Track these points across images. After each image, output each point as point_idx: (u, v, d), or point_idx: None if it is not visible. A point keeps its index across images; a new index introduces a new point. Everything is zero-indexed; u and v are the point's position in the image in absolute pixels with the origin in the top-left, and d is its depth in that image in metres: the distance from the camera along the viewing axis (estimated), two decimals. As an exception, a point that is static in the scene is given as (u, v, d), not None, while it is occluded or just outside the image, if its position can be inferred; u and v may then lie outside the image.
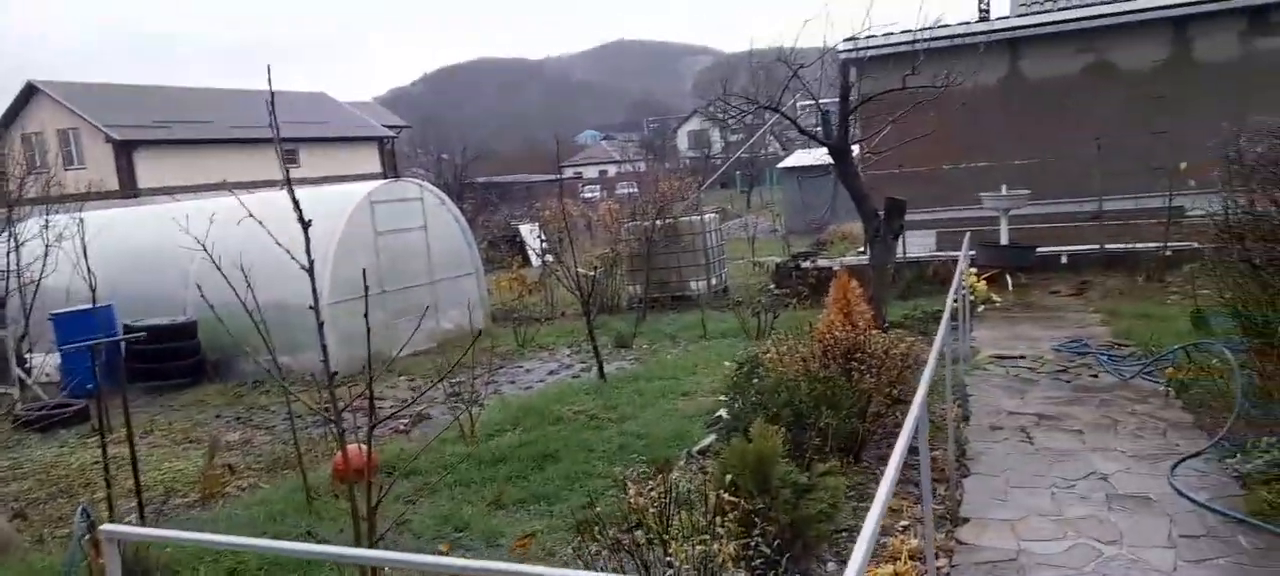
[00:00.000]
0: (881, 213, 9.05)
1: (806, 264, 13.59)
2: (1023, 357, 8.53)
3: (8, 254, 12.09)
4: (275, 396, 10.64)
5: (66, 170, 31.13)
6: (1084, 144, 12.78)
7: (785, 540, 3.96)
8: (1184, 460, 5.46)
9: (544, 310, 14.46)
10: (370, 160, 39.35)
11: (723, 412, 6.85)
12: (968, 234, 9.69)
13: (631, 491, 3.81)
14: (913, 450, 6.17)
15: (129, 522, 5.30)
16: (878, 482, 5.61)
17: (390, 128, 42.82)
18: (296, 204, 3.50)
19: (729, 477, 4.00)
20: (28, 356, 12.17)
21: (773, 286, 12.73)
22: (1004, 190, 12.65)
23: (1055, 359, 8.40)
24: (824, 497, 4.08)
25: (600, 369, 8.93)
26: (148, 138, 31.24)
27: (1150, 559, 4.30)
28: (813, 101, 10.22)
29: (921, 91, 9.53)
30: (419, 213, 13.09)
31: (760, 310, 10.93)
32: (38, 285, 12.01)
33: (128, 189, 29.90)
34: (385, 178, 30.78)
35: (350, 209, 11.98)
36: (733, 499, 3.71)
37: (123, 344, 12.00)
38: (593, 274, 11.01)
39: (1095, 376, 7.69)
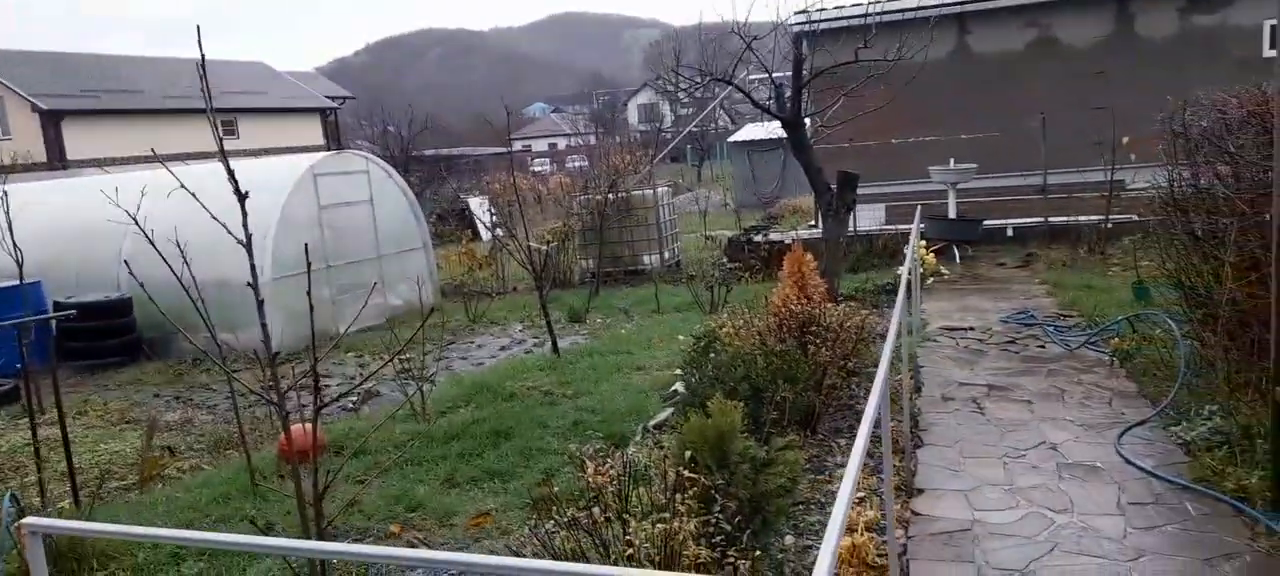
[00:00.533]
0: (833, 186, 9.06)
1: (758, 238, 13.62)
2: (972, 329, 8.65)
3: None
4: (216, 375, 10.31)
5: (-10, 141, 29.75)
6: (1030, 118, 12.98)
7: (745, 515, 3.92)
8: (1130, 429, 5.58)
9: (495, 285, 14.27)
10: (313, 132, 38.32)
11: (679, 387, 6.80)
12: (919, 207, 9.76)
13: (590, 468, 3.73)
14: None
15: (63, 508, 5.05)
16: (834, 454, 5.65)
17: (333, 98, 41.72)
18: (232, 175, 3.31)
19: (689, 454, 3.94)
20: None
21: (725, 260, 12.73)
22: (952, 164, 12.81)
23: (1003, 330, 8.54)
24: (783, 472, 4.06)
25: (554, 344, 8.82)
26: (76, 107, 29.91)
27: (1101, 526, 4.37)
28: (765, 75, 10.18)
29: (873, 65, 9.54)
30: (364, 186, 12.76)
31: (713, 284, 10.91)
32: (-43, 261, 11.41)
33: (56, 161, 28.66)
34: (328, 150, 30.03)
35: (292, 182, 11.62)
36: (692, 475, 3.66)
37: (53, 322, 11.56)
38: (544, 248, 10.86)
39: (1042, 347, 7.83)
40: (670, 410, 6.46)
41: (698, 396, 5.23)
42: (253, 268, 3.25)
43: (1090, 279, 10.31)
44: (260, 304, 3.49)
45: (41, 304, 11.32)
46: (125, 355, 11.40)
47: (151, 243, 4.81)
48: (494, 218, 16.30)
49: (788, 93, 9.23)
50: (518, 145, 62.74)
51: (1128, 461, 5.08)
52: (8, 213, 10.84)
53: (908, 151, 14.63)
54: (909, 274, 7.87)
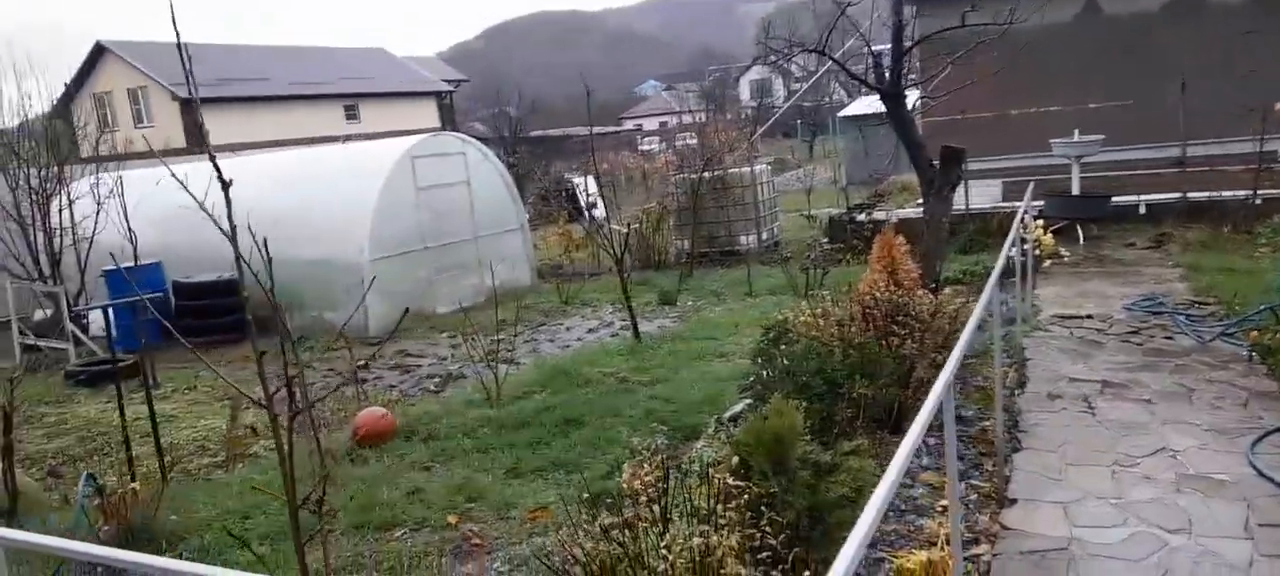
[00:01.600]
0: (936, 162, 8.43)
1: (862, 216, 12.96)
2: (1090, 317, 7.89)
3: (59, 211, 12.29)
4: (316, 353, 10.62)
5: (137, 128, 31.99)
6: (1166, 85, 11.80)
7: (802, 527, 3.59)
8: (1267, 435, 4.89)
9: (590, 266, 14.17)
10: (429, 115, 39.45)
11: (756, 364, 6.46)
12: (1032, 183, 9.00)
13: (627, 472, 3.48)
14: (961, 420, 5.71)
15: (135, 487, 5.18)
16: (920, 457, 5.20)
17: (449, 82, 42.81)
18: (217, 168, 3.16)
19: (737, 460, 3.63)
20: (86, 312, 12.41)
21: (825, 240, 12.18)
22: (1076, 136, 11.79)
23: (1126, 318, 7.75)
24: (846, 480, 3.69)
25: (635, 329, 8.60)
26: (212, 95, 31.76)
27: (1223, 551, 3.80)
28: (866, 47, 9.58)
29: (984, 29, 8.82)
30: (461, 167, 12.85)
31: (810, 266, 10.42)
32: (92, 242, 12.17)
33: (194, 147, 30.51)
34: (442, 131, 30.76)
35: (391, 164, 11.80)
36: (739, 483, 3.35)
37: (172, 301, 12.20)
38: (624, 231, 10.63)
39: (1170, 338, 7.04)
40: (747, 402, 6.13)
41: (767, 393, 4.89)
42: (238, 258, 3.09)
43: (1232, 261, 9.27)
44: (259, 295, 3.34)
45: (160, 283, 11.96)
46: (235, 333, 11.91)
47: (213, 219, 4.82)
48: (590, 198, 16.22)
49: (887, 62, 8.63)
50: (629, 124, 62.84)
51: (1261, 474, 4.44)
52: (122, 196, 11.48)
53: (1027, 123, 13.62)
54: (1013, 254, 7.24)
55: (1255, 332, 6.40)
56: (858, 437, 4.27)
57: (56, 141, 13.57)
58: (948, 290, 8.58)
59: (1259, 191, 10.47)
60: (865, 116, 25.26)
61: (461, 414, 6.75)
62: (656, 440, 5.27)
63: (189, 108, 30.98)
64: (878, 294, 5.78)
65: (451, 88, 42.60)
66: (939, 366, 5.69)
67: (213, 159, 3.04)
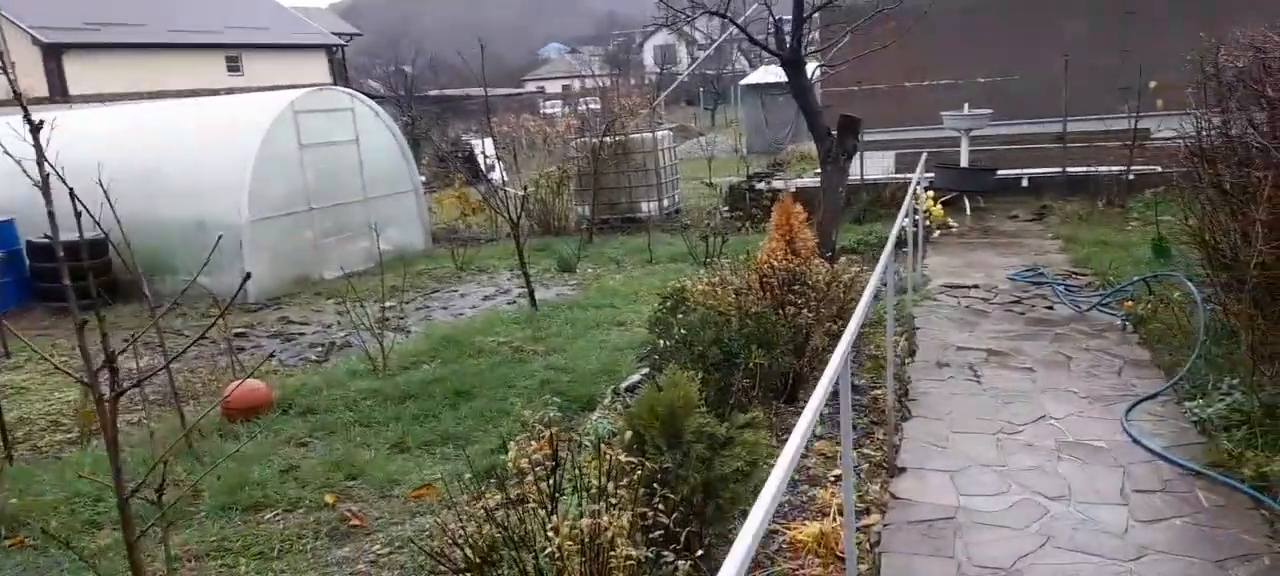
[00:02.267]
0: (833, 131, 8.47)
1: (761, 185, 13.03)
2: (976, 287, 8.11)
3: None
4: (190, 320, 9.98)
5: (-9, 75, 29.33)
6: (1051, 61, 12.22)
7: (697, 503, 3.48)
8: (1140, 403, 5.09)
9: (488, 231, 13.79)
10: (319, 70, 37.62)
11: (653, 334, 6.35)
12: (924, 154, 9.16)
13: (513, 449, 3.29)
14: (855, 389, 5.74)
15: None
16: (815, 426, 5.19)
17: (341, 36, 40.92)
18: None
19: (630, 433, 3.49)
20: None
21: (725, 209, 12.17)
22: (966, 110, 12.11)
23: (1010, 288, 8.00)
24: (741, 453, 3.60)
25: (531, 297, 8.36)
26: (78, 40, 29.39)
27: (1101, 517, 3.91)
28: (769, 12, 9.52)
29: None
30: (350, 124, 12.23)
31: (710, 234, 10.38)
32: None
33: (57, 96, 28.23)
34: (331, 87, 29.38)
35: (271, 119, 11.10)
36: (631, 459, 3.21)
37: (26, 263, 11.23)
38: (521, 194, 10.35)
39: (1050, 308, 7.30)
40: (644, 372, 6.01)
41: (662, 363, 4.77)
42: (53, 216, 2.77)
43: (1107, 234, 9.71)
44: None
45: (13, 242, 10.99)
46: (100, 298, 11.06)
47: (25, 171, 4.36)
48: (488, 161, 15.77)
49: (787, 29, 8.59)
50: (531, 87, 61.70)
51: (1135, 441, 4.60)
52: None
53: (920, 96, 13.92)
54: (906, 225, 7.34)
55: (1129, 303, 6.68)
56: (754, 409, 4.19)
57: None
58: (843, 259, 8.68)
59: (1132, 167, 10.99)
60: (767, 86, 25.44)
61: (344, 385, 6.40)
62: (550, 412, 5.08)
63: (51, 53, 28.58)
64: (775, 263, 5.73)
65: (344, 42, 40.74)
66: (835, 336, 5.69)
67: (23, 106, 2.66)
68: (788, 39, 8.50)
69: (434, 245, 13.31)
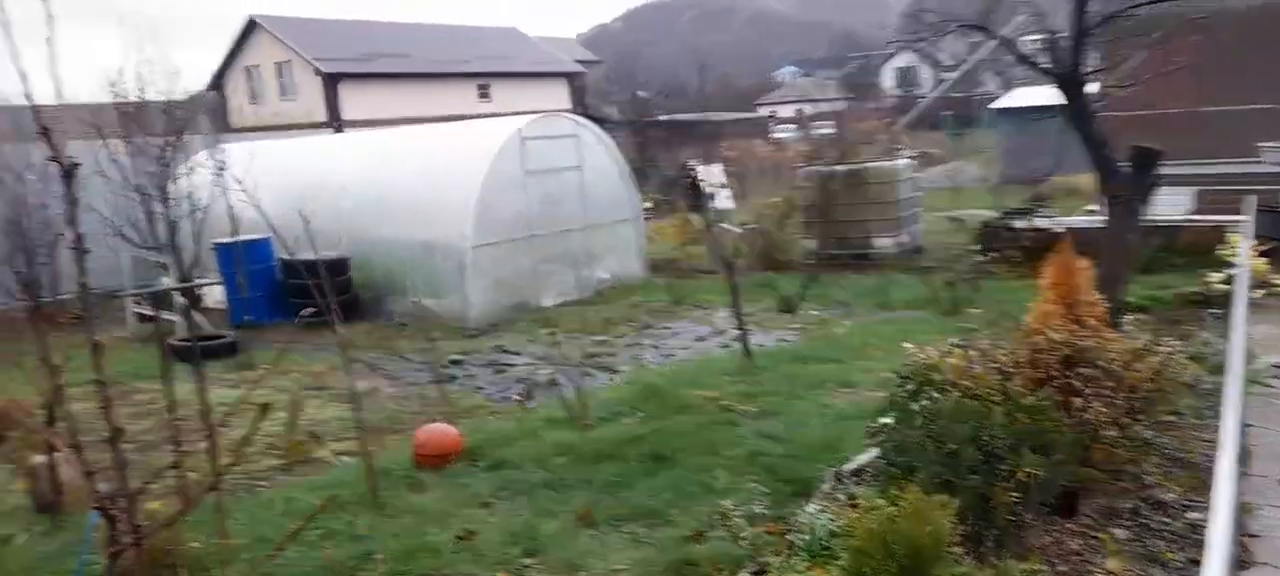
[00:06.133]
0: (1121, 163, 6.95)
1: (1020, 223, 11.37)
2: (1323, 369, 6.27)
3: (174, 182, 12.27)
4: (414, 342, 10.11)
5: (282, 101, 33.18)
6: None
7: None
8: None
9: (708, 262, 13.15)
10: (560, 96, 39.25)
11: (889, 419, 5.32)
12: (1249, 195, 7.35)
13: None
14: (1160, 505, 4.41)
15: (155, 507, 4.60)
16: (1099, 553, 3.94)
17: (582, 63, 42.54)
18: None
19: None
20: (203, 284, 12.41)
21: (976, 249, 10.71)
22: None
23: (1375, 374, 6.10)
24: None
25: (746, 346, 7.54)
26: (352, 71, 32.52)
27: None
28: (1041, 32, 8.11)
29: (1186, 7, 7.26)
30: (574, 151, 12.08)
31: (957, 278, 9.07)
32: (206, 212, 12.12)
33: (334, 120, 31.36)
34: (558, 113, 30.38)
35: (499, 145, 11.14)
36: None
37: (280, 278, 12.02)
38: (738, 231, 9.55)
39: None
40: (874, 452, 5.00)
41: (901, 459, 3.78)
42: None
43: None
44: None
45: (268, 259, 11.79)
46: (341, 314, 11.59)
47: (249, 196, 4.16)
48: (709, 190, 15.18)
49: (1064, 43, 7.19)
50: (763, 110, 61.09)
51: None
52: (221, 168, 11.27)
53: (1228, 122, 11.59)
54: (1217, 281, 5.77)
55: None
56: (1026, 533, 3.11)
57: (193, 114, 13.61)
58: (1129, 321, 7.11)
59: None
60: (1024, 109, 23.06)
61: (539, 436, 5.91)
62: (755, 505, 4.25)
63: (330, 82, 31.81)
64: (1052, 333, 4.52)
65: (583, 69, 42.30)
66: (1128, 435, 4.38)
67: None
68: (1063, 55, 7.11)
69: (652, 275, 12.88)
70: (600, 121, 23.37)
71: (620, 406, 6.47)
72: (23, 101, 1.86)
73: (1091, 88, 8.23)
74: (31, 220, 12.80)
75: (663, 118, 31.86)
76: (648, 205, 14.79)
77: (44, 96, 1.80)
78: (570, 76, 40.57)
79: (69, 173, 1.65)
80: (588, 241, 12.10)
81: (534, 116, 12.10)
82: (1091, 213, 11.64)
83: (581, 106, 39.22)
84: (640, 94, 39.03)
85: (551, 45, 42.71)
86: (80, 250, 1.64)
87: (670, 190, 19.44)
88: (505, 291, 11.20)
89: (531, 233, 11.41)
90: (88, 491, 5.50)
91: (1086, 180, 15.66)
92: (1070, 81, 7.13)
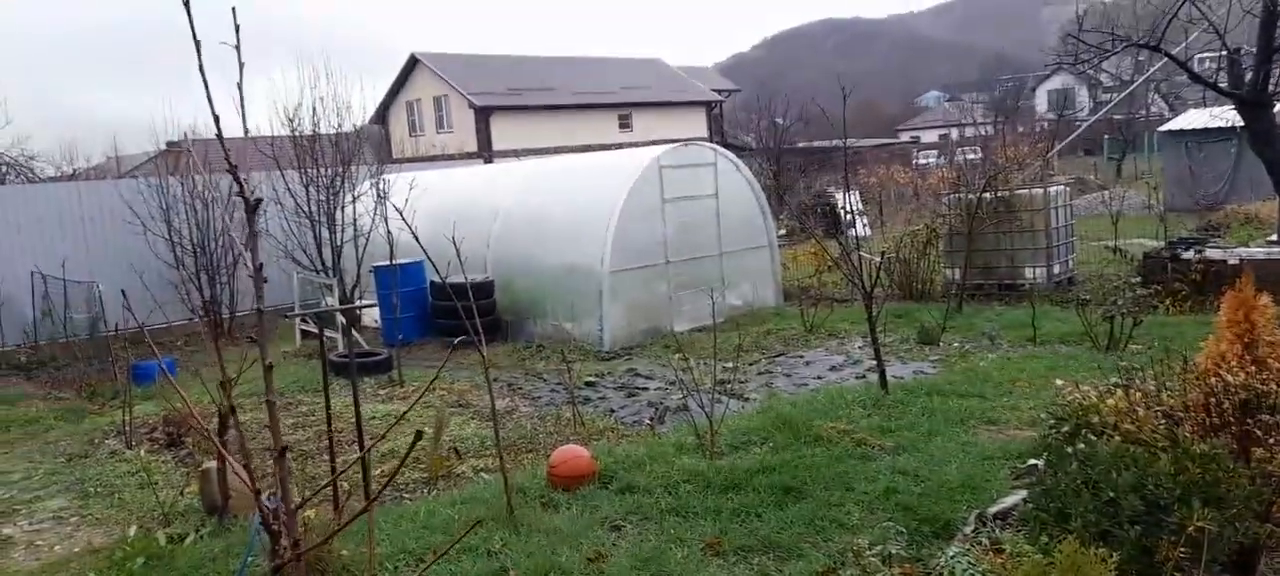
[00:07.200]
0: (1315, 192, 6.32)
1: (1188, 253, 10.51)
2: None
3: (341, 209, 13.16)
4: (553, 362, 10.38)
5: (438, 133, 35.01)
6: None
7: None
8: None
9: (843, 290, 12.87)
10: (698, 125, 39.57)
11: (1039, 461, 5.01)
12: None
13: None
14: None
15: (309, 517, 4.91)
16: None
17: (719, 92, 42.72)
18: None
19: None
20: (361, 305, 13.23)
21: (1137, 281, 9.98)
22: None
23: None
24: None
25: (883, 377, 7.30)
26: (502, 104, 33.95)
27: None
28: (1219, 50, 7.53)
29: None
30: (710, 179, 12.14)
31: (1116, 312, 8.47)
32: (369, 237, 12.92)
33: (485, 150, 32.78)
34: (694, 141, 30.57)
35: (637, 173, 11.33)
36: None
37: (430, 300, 12.63)
38: (877, 258, 9.29)
39: None
40: (1020, 495, 4.73)
41: (1052, 505, 3.56)
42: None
43: None
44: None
45: (421, 282, 12.42)
46: (484, 335, 12.06)
47: (409, 226, 4.40)
48: (847, 216, 14.86)
49: (1248, 61, 6.64)
50: (906, 136, 59.33)
51: None
52: (381, 195, 11.95)
53: None
54: None
55: None
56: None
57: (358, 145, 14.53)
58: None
59: None
60: (1193, 132, 21.41)
61: (669, 461, 5.93)
62: (890, 545, 4.09)
63: (482, 115, 33.32)
64: (1228, 376, 4.15)
65: (722, 97, 42.47)
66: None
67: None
68: (1246, 74, 6.56)
69: (785, 303, 12.72)
70: (737, 149, 23.36)
71: (751, 435, 6.39)
72: (211, 135, 2.04)
73: (1278, 109, 7.55)
74: (216, 243, 14.07)
75: (800, 144, 31.50)
76: (783, 232, 14.63)
77: (231, 130, 1.97)
78: (708, 105, 40.83)
79: (253, 208, 1.80)
80: (722, 268, 12.10)
81: (671, 145, 12.25)
82: (1272, 243, 10.62)
83: (718, 134, 39.35)
84: (777, 121, 38.76)
85: (690, 75, 43.15)
86: (260, 279, 1.78)
87: (806, 217, 19.18)
88: (640, 315, 11.34)
89: (667, 259, 11.52)
90: (253, 501, 5.94)
91: (1268, 208, 14.35)
92: (1254, 102, 6.57)
